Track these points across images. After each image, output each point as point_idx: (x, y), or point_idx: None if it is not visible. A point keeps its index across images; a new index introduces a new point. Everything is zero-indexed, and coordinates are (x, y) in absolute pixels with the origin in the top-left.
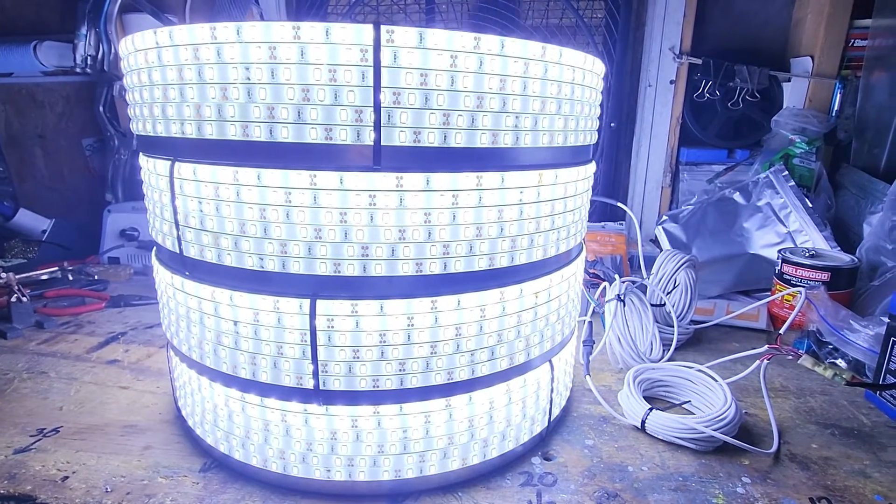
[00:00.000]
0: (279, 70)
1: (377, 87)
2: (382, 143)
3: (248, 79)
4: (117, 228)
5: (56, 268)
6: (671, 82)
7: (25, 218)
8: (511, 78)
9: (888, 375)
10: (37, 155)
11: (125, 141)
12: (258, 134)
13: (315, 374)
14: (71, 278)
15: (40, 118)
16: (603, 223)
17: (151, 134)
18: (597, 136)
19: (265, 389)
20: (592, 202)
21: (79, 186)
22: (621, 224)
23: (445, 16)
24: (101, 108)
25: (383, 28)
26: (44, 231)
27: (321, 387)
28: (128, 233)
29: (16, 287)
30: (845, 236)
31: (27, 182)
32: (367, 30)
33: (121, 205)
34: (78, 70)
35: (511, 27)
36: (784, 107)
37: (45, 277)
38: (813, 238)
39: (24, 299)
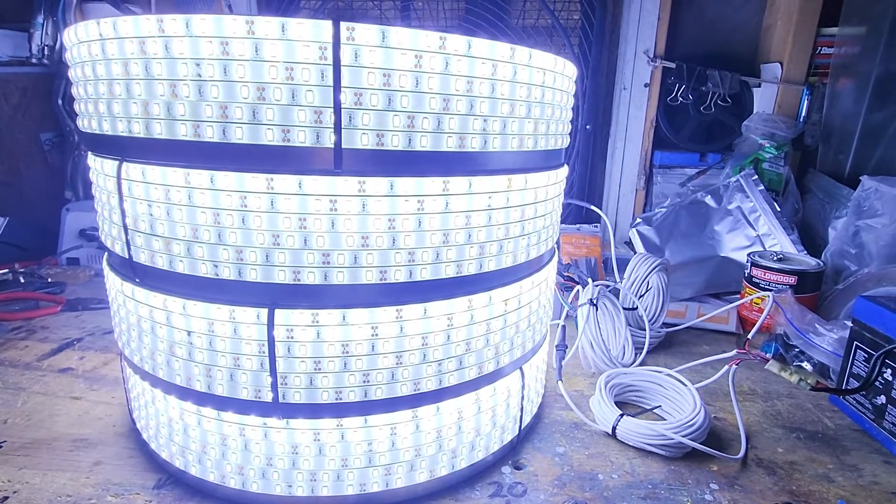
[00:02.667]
0: (232, 66)
1: (337, 86)
2: (343, 146)
3: (199, 75)
4: (77, 228)
5: (6, 269)
6: (645, 85)
7: None
8: (479, 80)
9: (851, 379)
10: None
11: None
12: (210, 134)
13: (274, 387)
14: (23, 280)
15: None
16: (578, 225)
17: (98, 132)
18: (569, 140)
19: (222, 403)
20: (567, 205)
21: (36, 183)
22: (596, 226)
23: (421, 14)
24: (59, 102)
25: (343, 25)
26: None
27: (281, 400)
28: (88, 232)
29: None
30: (812, 240)
31: None
32: (326, 26)
33: (81, 203)
34: (34, 61)
35: (490, 28)
36: (754, 111)
37: None
38: (781, 241)
39: None
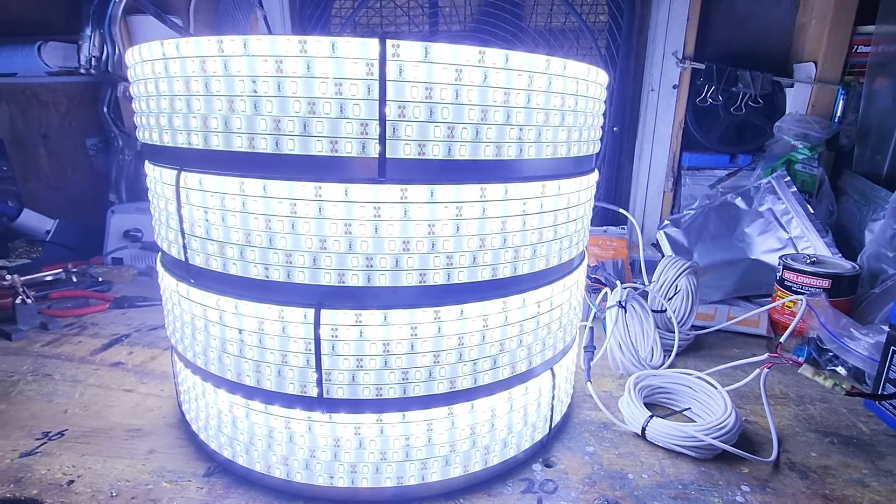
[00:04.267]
0: (285, 83)
1: (382, 100)
2: (387, 156)
3: (255, 91)
4: (121, 229)
5: (60, 269)
6: (674, 87)
7: (29, 218)
8: (515, 91)
9: (888, 384)
10: (41, 155)
11: (129, 141)
12: (264, 146)
13: (319, 383)
14: (75, 279)
15: (44, 118)
16: (605, 227)
17: (158, 143)
18: (599, 145)
19: (269, 397)
20: (594, 208)
21: (82, 187)
22: (623, 228)
23: (449, 19)
24: (105, 109)
25: (389, 42)
26: (48, 231)
27: (325, 395)
28: (132, 234)
29: (20, 289)
30: (847, 243)
31: (31, 182)
32: (373, 44)
33: (124, 205)
34: (82, 71)
35: (515, 31)
36: (787, 112)
37: (49, 279)
38: (814, 244)
39: (29, 301)
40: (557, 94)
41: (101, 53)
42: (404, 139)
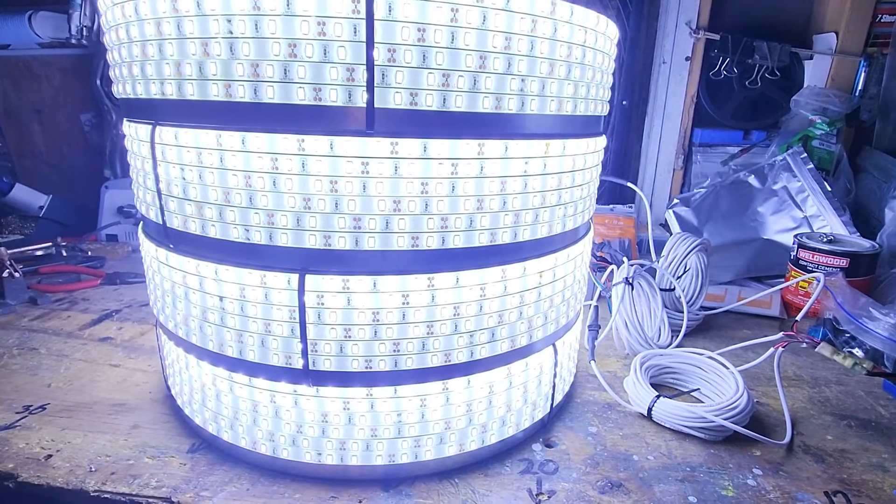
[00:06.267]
0: (264, 22)
1: (370, 42)
2: (376, 105)
3: (231, 32)
4: (115, 205)
5: (50, 243)
6: (686, 59)
7: (22, 194)
8: (517, 36)
9: None
10: (35, 130)
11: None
12: (242, 94)
13: (304, 354)
14: (65, 254)
15: (37, 92)
16: (612, 206)
17: (132, 96)
18: (608, 109)
19: (253, 369)
20: (601, 183)
21: (77, 162)
22: (630, 207)
23: None
24: (98, 82)
25: None
26: (41, 207)
27: (311, 367)
28: (126, 210)
29: (7, 262)
30: (866, 221)
31: (25, 158)
32: None
33: (119, 181)
34: (74, 41)
35: None
36: (805, 86)
37: (39, 253)
38: (831, 223)
39: (17, 275)
40: (563, 42)
41: (93, 23)
42: (394, 87)
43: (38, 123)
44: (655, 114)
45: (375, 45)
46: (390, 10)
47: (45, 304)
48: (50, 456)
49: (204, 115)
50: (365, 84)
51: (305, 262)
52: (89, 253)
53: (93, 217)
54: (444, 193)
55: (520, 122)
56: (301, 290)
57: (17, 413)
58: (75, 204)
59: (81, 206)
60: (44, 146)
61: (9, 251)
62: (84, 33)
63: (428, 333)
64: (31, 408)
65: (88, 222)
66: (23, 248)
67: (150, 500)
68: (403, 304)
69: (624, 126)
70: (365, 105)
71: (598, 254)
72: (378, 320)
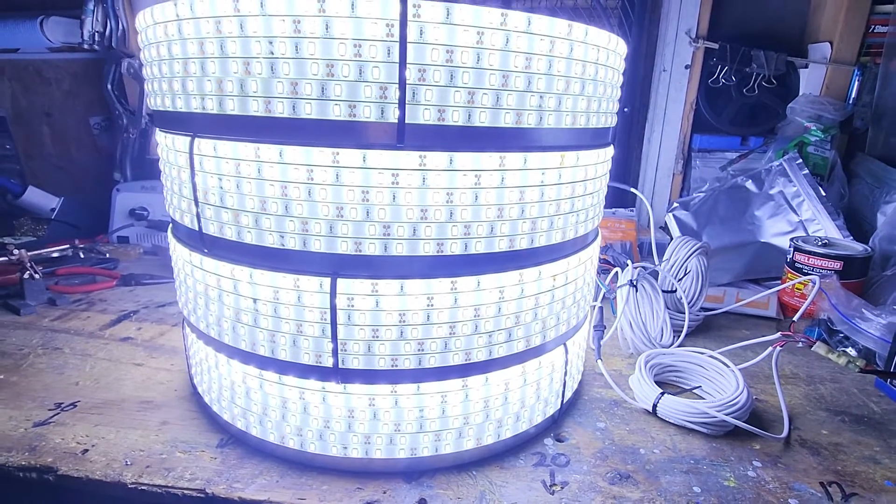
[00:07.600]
0: (303, 44)
1: (403, 63)
2: (406, 121)
3: (272, 53)
4: (126, 208)
5: (67, 245)
6: (686, 67)
7: (34, 196)
8: (537, 56)
9: None
10: (44, 133)
11: (133, 119)
12: (281, 110)
13: (334, 353)
14: (82, 256)
15: (47, 95)
16: (613, 209)
17: (171, 109)
18: (616, 119)
19: (284, 367)
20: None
21: (86, 165)
22: (632, 210)
23: None
24: (109, 86)
25: (410, 2)
26: (53, 209)
27: (340, 365)
28: (137, 212)
29: (28, 264)
30: (859, 226)
31: (35, 160)
32: (394, 3)
33: (130, 184)
34: (85, 46)
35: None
36: (800, 94)
37: (56, 255)
38: (825, 227)
39: (37, 276)
40: (579, 61)
41: (105, 29)
42: (424, 104)
43: (47, 126)
44: (656, 120)
45: (407, 65)
46: (421, 34)
47: (63, 304)
48: (86, 450)
49: (243, 129)
50: (397, 101)
51: (337, 266)
52: (107, 255)
53: (103, 219)
54: (467, 203)
55: (538, 136)
56: (333, 292)
57: (50, 410)
58: (86, 206)
59: (91, 208)
60: (53, 149)
61: (28, 253)
62: (96, 38)
63: (450, 333)
64: (63, 405)
65: (99, 224)
66: (40, 251)
67: (186, 491)
68: (428, 305)
69: (625, 132)
70: (396, 121)
71: (602, 256)
72: (404, 321)
